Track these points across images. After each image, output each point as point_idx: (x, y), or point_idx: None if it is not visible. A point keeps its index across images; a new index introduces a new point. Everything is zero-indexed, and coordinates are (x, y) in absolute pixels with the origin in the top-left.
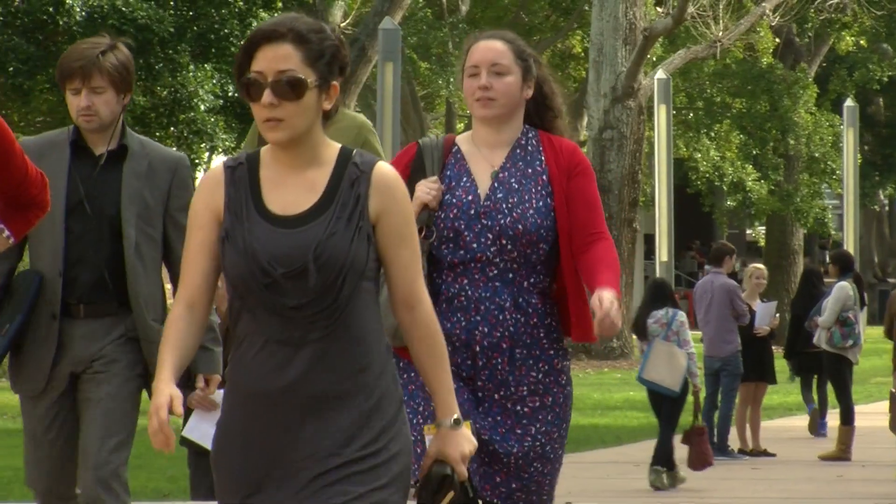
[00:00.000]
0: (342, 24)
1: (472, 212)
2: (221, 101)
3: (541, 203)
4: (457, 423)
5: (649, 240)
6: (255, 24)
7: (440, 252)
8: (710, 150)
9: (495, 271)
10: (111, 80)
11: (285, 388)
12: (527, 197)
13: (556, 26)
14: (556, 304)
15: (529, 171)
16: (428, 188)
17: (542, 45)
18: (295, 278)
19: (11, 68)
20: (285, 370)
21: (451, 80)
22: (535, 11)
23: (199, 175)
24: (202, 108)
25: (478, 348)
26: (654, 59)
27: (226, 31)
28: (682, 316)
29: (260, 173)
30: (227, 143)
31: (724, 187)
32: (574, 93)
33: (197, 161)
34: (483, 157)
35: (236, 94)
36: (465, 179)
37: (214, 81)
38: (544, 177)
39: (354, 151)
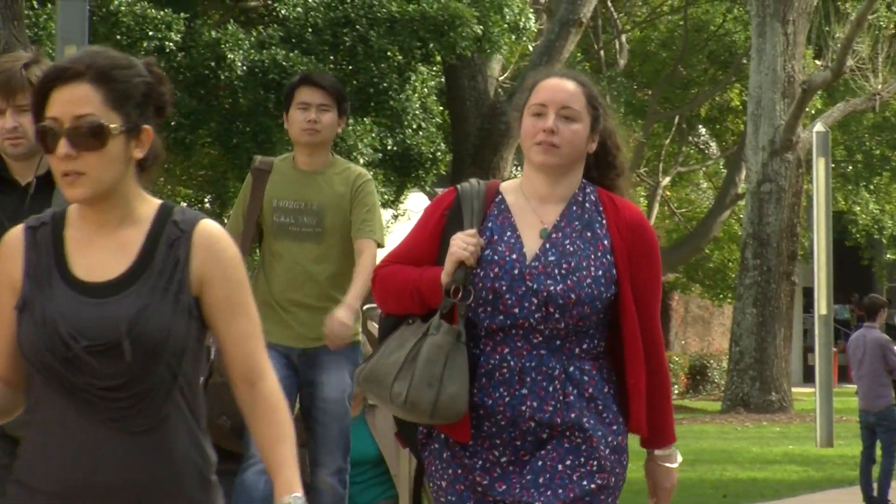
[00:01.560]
0: (501, 78)
1: (517, 272)
2: (380, 154)
3: (600, 272)
4: (297, 500)
5: (808, 293)
6: (413, 77)
7: (477, 316)
8: (870, 202)
9: (540, 338)
10: None
11: (91, 486)
12: (584, 263)
13: (715, 79)
14: (613, 372)
15: (588, 233)
16: (465, 242)
17: (701, 97)
18: (102, 354)
19: (174, 122)
20: (93, 464)
21: None
22: (693, 65)
23: None
24: (361, 161)
25: (527, 426)
26: (813, 112)
27: (384, 84)
28: None
29: (65, 234)
30: (386, 196)
31: (884, 240)
32: (732, 146)
33: None
34: (532, 210)
35: (396, 148)
36: (508, 234)
37: (373, 135)
38: (605, 242)
39: (175, 208)
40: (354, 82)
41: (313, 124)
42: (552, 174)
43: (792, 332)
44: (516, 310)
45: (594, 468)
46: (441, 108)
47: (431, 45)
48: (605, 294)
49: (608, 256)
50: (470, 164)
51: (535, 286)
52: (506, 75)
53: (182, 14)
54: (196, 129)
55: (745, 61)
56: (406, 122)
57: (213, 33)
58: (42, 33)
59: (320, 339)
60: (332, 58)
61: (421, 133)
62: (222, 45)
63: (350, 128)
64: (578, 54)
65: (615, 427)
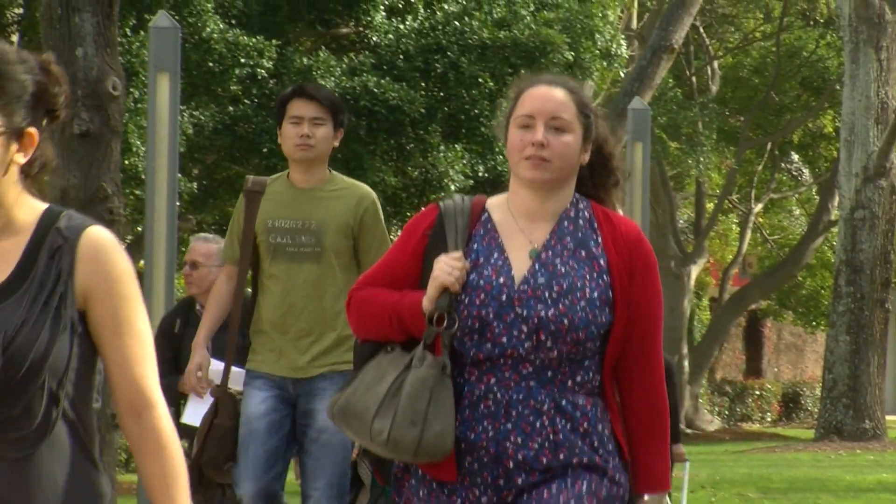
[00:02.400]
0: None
1: (504, 297)
2: (472, 180)
3: (596, 294)
4: None
5: None
6: (504, 104)
7: (462, 345)
8: None
9: (530, 369)
10: None
11: None
12: (579, 284)
13: (807, 106)
14: (610, 410)
15: (582, 252)
16: (450, 266)
17: (793, 124)
18: None
19: (265, 149)
20: None
21: (702, 159)
22: (785, 91)
23: None
24: (452, 188)
25: (511, 464)
26: None
27: (475, 111)
28: None
29: None
30: None
31: None
32: (825, 172)
33: None
34: (520, 229)
35: (487, 174)
36: (496, 256)
37: (465, 161)
38: (601, 262)
39: (63, 213)
40: (446, 109)
41: (306, 139)
42: (541, 190)
43: (886, 359)
44: (504, 338)
45: None
46: None
47: (523, 71)
48: (601, 318)
49: (604, 277)
50: None
51: (524, 312)
52: (597, 101)
53: (274, 41)
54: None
55: (837, 87)
56: (497, 149)
57: (305, 60)
58: (135, 60)
59: (320, 366)
60: (423, 84)
61: None
62: (314, 72)
63: (441, 154)
64: (670, 80)
65: (612, 464)
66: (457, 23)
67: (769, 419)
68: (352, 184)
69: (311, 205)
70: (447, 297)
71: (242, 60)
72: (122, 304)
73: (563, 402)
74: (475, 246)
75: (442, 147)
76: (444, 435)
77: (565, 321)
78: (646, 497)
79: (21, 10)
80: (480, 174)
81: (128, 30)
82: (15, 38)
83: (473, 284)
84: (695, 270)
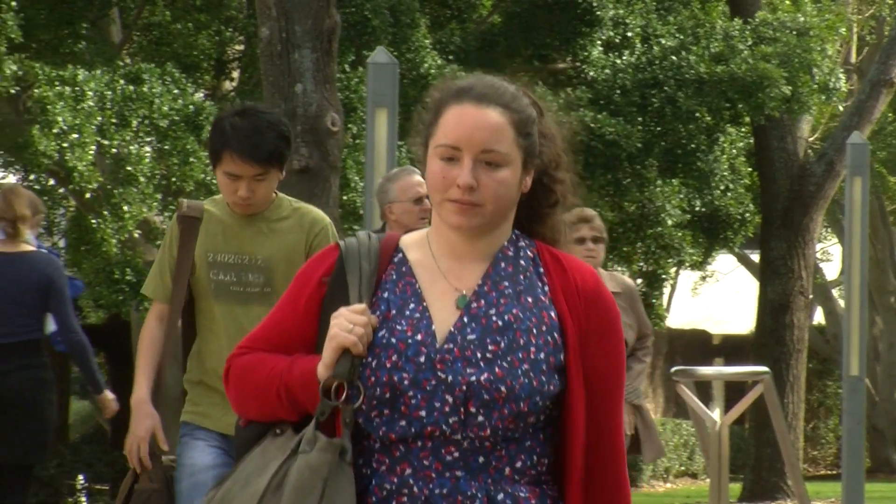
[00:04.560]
0: (810, 139)
1: (423, 359)
2: (689, 215)
3: (542, 355)
4: None
5: None
6: (721, 138)
7: (369, 423)
8: None
9: (456, 454)
10: None
11: None
12: (522, 341)
13: None
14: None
15: (529, 298)
16: (350, 321)
17: None
18: None
19: None
20: None
21: None
22: None
23: (666, 291)
24: (669, 222)
25: None
26: None
27: (692, 146)
28: None
29: None
30: (694, 257)
31: None
32: None
33: (664, 276)
34: (443, 272)
35: (704, 209)
36: (412, 307)
37: (681, 196)
38: (552, 314)
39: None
40: (662, 143)
41: (244, 199)
42: (473, 234)
43: None
44: (423, 412)
45: None
46: (749, 169)
47: (740, 105)
48: (547, 386)
49: (554, 334)
50: (779, 226)
51: (449, 377)
52: (815, 136)
53: None
54: None
55: None
56: (714, 184)
57: None
58: (353, 96)
59: None
60: (639, 119)
61: (729, 194)
62: None
63: (658, 188)
64: (889, 114)
65: None
66: (674, 57)
67: None
68: (301, 207)
69: (256, 237)
70: (348, 361)
71: None
72: None
73: (501, 497)
74: (385, 295)
75: (658, 181)
76: None
77: (502, 388)
78: None
79: (241, 47)
80: (697, 208)
81: (346, 66)
82: (235, 74)
83: (383, 343)
84: None
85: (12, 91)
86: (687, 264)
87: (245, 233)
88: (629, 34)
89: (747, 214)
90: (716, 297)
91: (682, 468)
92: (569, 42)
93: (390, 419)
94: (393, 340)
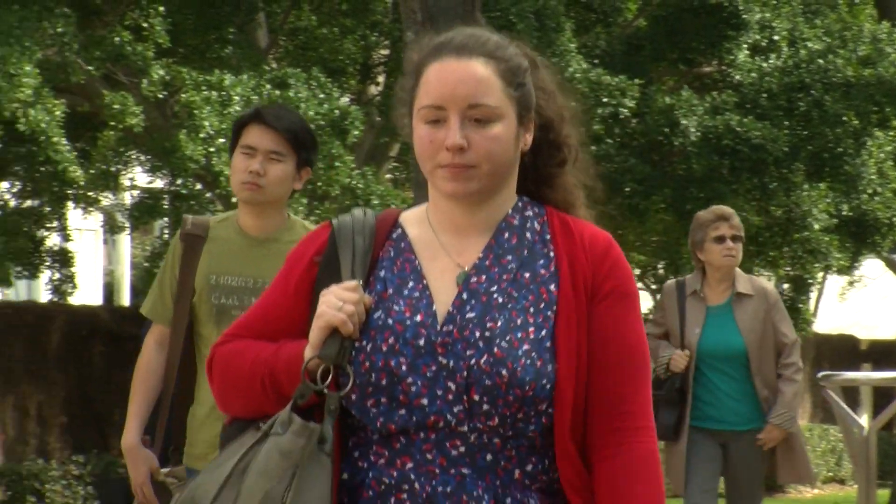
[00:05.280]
0: None
1: (422, 342)
2: (836, 220)
3: (543, 332)
4: None
5: None
6: (869, 142)
7: (364, 412)
8: None
9: (462, 448)
10: None
11: None
12: (520, 320)
13: None
14: None
15: (526, 274)
16: (340, 299)
17: None
18: None
19: (627, 188)
20: None
21: None
22: None
23: (813, 296)
24: (816, 227)
25: None
26: None
27: (840, 149)
28: None
29: None
30: (841, 262)
31: None
32: None
33: (811, 281)
34: (445, 247)
35: (851, 213)
36: (411, 285)
37: (828, 200)
38: (552, 286)
39: None
40: (809, 147)
41: (255, 177)
42: (467, 201)
43: None
44: (425, 400)
45: None
46: None
47: (888, 109)
48: (551, 365)
49: (553, 308)
50: None
51: (451, 363)
52: None
53: (636, 80)
54: (650, 196)
55: None
56: (861, 188)
57: (667, 99)
58: None
59: None
60: (786, 123)
61: (877, 198)
62: (676, 111)
63: (804, 193)
64: None
65: None
66: (820, 61)
67: None
68: (301, 225)
69: (264, 259)
70: (337, 343)
71: (605, 100)
72: None
73: (508, 502)
74: (382, 273)
75: (805, 186)
76: None
77: (504, 372)
78: None
79: (387, 52)
80: (845, 213)
81: None
82: (381, 78)
83: (378, 325)
84: None
85: (160, 96)
86: (834, 269)
87: (253, 254)
88: (775, 38)
89: (895, 219)
90: (863, 301)
91: (830, 474)
92: (715, 46)
93: (388, 408)
94: (389, 322)
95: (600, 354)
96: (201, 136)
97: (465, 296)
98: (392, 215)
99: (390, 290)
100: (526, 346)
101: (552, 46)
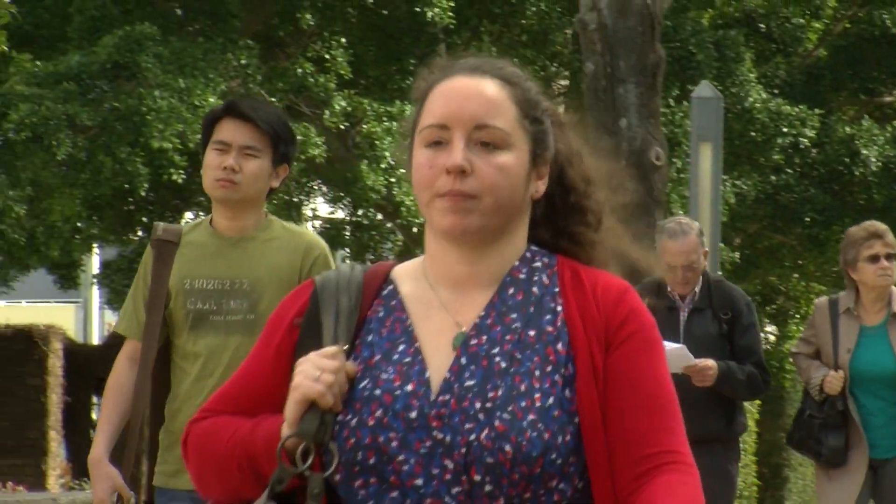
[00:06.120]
0: None
1: (414, 415)
2: None
3: (551, 399)
4: None
5: None
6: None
7: (351, 493)
8: None
9: None
10: None
11: None
12: (523, 387)
13: None
14: None
15: (531, 332)
16: (317, 368)
17: None
18: None
19: (808, 218)
20: None
21: None
22: None
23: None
24: None
25: None
26: None
27: None
28: None
29: None
30: None
31: None
32: None
33: None
34: (442, 304)
35: None
36: (402, 349)
37: None
38: (560, 346)
39: None
40: None
41: (229, 174)
42: (471, 244)
43: None
44: (419, 481)
45: None
46: None
47: None
48: (563, 438)
49: (564, 368)
50: None
51: (447, 437)
52: None
53: (816, 110)
54: (830, 225)
55: None
56: None
57: (848, 129)
58: (678, 131)
59: None
60: None
61: None
62: (857, 141)
63: None
64: None
65: None
66: None
67: None
68: (295, 229)
69: (240, 259)
70: (316, 418)
71: (785, 129)
72: None
73: None
74: (370, 337)
75: None
76: None
77: (507, 447)
78: None
79: (566, 82)
80: None
81: (671, 100)
82: (560, 109)
83: (364, 396)
84: None
85: (342, 126)
86: None
87: (228, 255)
88: None
89: None
90: None
91: None
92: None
93: (378, 490)
94: (377, 392)
95: (615, 401)
96: (382, 166)
97: (463, 360)
98: (383, 269)
99: (378, 356)
100: (531, 416)
101: (732, 76)
